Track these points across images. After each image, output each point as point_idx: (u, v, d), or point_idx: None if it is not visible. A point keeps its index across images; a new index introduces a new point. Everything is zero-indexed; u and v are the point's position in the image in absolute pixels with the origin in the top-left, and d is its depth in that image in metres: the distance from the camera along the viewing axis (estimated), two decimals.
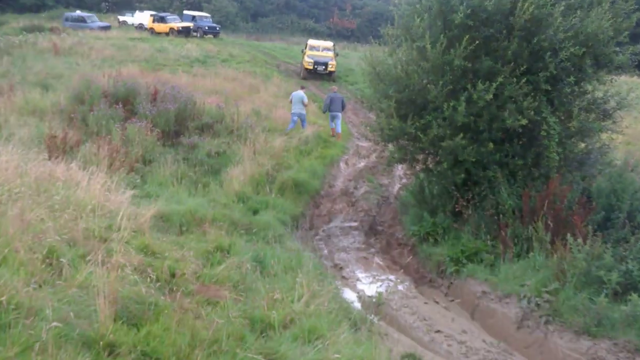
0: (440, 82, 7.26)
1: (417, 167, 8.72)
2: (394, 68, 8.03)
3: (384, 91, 8.13)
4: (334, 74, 22.34)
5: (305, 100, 14.84)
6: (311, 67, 22.30)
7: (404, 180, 11.80)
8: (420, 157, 8.37)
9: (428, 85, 7.39)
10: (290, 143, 12.36)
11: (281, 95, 18.81)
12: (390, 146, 8.66)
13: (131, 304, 3.99)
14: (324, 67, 22.38)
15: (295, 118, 14.47)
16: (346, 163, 12.98)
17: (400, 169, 12.28)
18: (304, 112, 14.69)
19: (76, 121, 10.65)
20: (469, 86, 7.11)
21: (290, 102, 14.80)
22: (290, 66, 26.79)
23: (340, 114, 15.69)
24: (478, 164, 7.44)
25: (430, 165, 8.39)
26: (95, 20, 32.95)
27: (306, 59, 22.56)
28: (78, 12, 34.56)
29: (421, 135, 7.48)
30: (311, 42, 24.51)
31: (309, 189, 10.06)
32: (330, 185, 11.33)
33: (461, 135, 7.14)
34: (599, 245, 5.79)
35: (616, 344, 5.08)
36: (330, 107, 15.53)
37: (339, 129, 15.33)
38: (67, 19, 32.37)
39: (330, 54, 23.25)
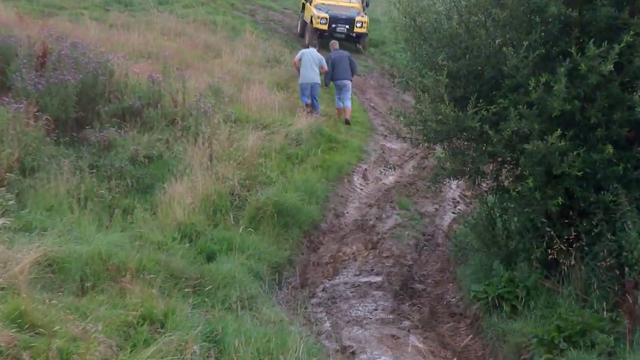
0: (525, 43, 7.26)
1: (484, 186, 8.69)
2: (446, 19, 8.00)
3: (430, 58, 8.14)
4: (364, 39, 22.14)
5: (324, 66, 15.60)
6: (325, 27, 22.05)
7: (461, 207, 11.80)
8: (489, 168, 8.37)
9: (504, 49, 7.39)
10: (272, 142, 12.38)
11: (257, 62, 18.92)
12: (439, 150, 8.64)
13: None
14: (347, 26, 22.28)
15: (308, 93, 15.32)
16: (364, 177, 12.99)
17: (454, 188, 12.21)
18: (318, 80, 15.52)
19: None
20: (572, 49, 7.10)
21: (297, 66, 15.67)
22: (274, 14, 27.05)
23: (350, 83, 16.09)
24: (587, 181, 7.38)
25: (506, 183, 8.39)
26: None
27: (315, 12, 22.30)
28: None
29: (491, 132, 7.45)
30: None
31: (302, 220, 10.07)
32: (338, 213, 11.30)
33: (558, 132, 7.10)
34: None
35: None
36: (333, 75, 15.91)
37: (349, 105, 15.87)
38: None
39: (357, 3, 23.30)
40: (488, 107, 7.57)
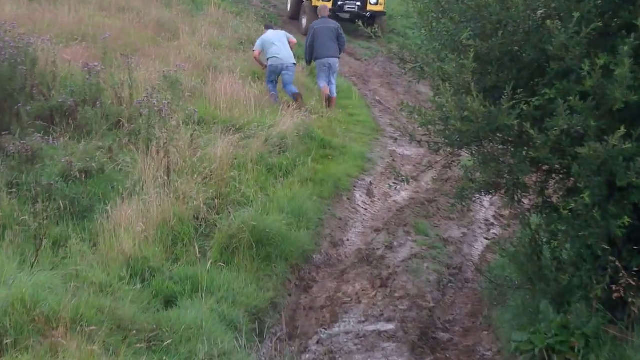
0: (576, 15, 7.24)
1: (525, 203, 8.67)
2: None
3: (451, 36, 8.16)
4: (382, 20, 22.27)
5: (293, 39, 16.44)
6: (329, 4, 21.92)
7: (496, 231, 11.82)
8: (532, 179, 8.39)
9: (548, 22, 7.40)
10: (247, 150, 12.41)
11: (226, 45, 18.95)
12: (466, 156, 8.67)
13: None
14: (358, 3, 22.58)
15: (274, 77, 15.98)
16: (369, 193, 13.03)
17: (487, 207, 12.24)
18: (293, 60, 16.23)
19: None
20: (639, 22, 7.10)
21: (259, 59, 16.38)
22: None
23: (337, 62, 16.66)
24: None
25: (555, 198, 8.39)
26: None
27: None
28: None
29: (533, 132, 7.46)
30: None
31: (289, 251, 10.10)
32: (336, 241, 11.32)
33: (622, 130, 7.10)
34: None
35: None
36: (317, 50, 16.45)
37: (335, 93, 16.46)
38: None
39: None
40: (528, 100, 7.55)
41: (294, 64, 16.34)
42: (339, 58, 16.61)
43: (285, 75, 16.19)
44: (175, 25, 19.35)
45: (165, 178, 10.61)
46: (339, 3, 21.98)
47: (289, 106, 14.91)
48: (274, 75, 16.22)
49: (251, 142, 12.77)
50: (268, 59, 16.21)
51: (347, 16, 21.65)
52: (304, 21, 22.45)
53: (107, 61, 14.07)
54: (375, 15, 21.84)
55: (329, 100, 16.35)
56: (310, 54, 16.70)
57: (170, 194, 10.23)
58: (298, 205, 11.06)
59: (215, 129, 12.93)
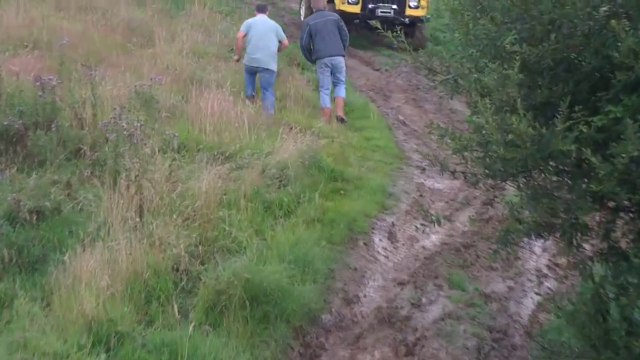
0: None
1: (587, 249, 8.64)
2: None
3: (492, 41, 8.19)
4: (422, 28, 22.56)
5: (285, 39, 17.09)
6: (357, 9, 22.66)
7: (549, 285, 11.77)
8: (595, 219, 8.36)
9: (613, 22, 7.41)
10: (240, 183, 12.46)
11: (213, 53, 19.02)
12: (511, 190, 8.70)
13: None
14: (394, 6, 22.83)
15: (252, 80, 16.53)
16: (391, 237, 13.02)
17: (539, 254, 12.23)
18: (272, 66, 16.68)
19: None
20: None
21: (240, 44, 17.01)
22: None
23: (343, 60, 17.14)
24: None
25: (623, 243, 8.36)
26: None
27: None
28: None
29: (595, 160, 7.45)
30: None
31: (291, 310, 10.06)
32: (349, 298, 11.28)
33: None
34: None
35: None
36: (317, 47, 16.95)
37: (343, 94, 17.12)
38: None
39: None
40: (589, 119, 7.57)
41: (273, 70, 16.78)
42: (343, 56, 16.78)
43: (260, 77, 16.80)
44: (150, 28, 19.47)
45: (137, 219, 10.60)
46: (370, 6, 22.03)
47: (290, 128, 14.94)
48: (248, 76, 16.93)
49: (244, 174, 12.78)
50: (246, 53, 16.88)
51: (388, 21, 21.12)
52: (302, 14, 23.10)
53: (64, 74, 14.11)
54: (414, 22, 21.94)
55: (328, 113, 16.67)
56: (308, 54, 16.89)
57: (144, 240, 10.18)
58: (302, 253, 11.01)
59: (200, 157, 12.95)
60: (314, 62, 17.32)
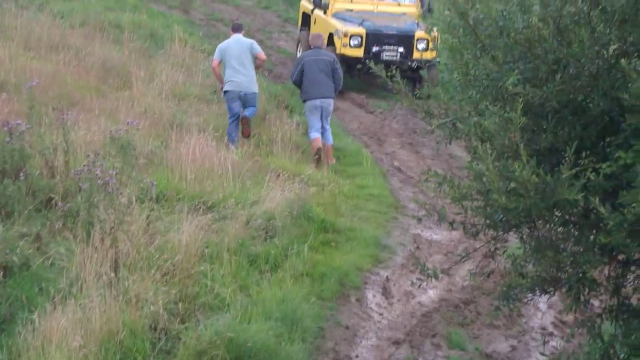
0: None
1: (595, 305, 8.62)
2: (520, 12, 8.05)
3: (493, 82, 8.22)
4: (433, 71, 21.91)
5: (261, 53, 17.56)
6: (360, 53, 22.56)
7: (555, 343, 11.69)
8: (604, 274, 8.32)
9: (622, 61, 7.39)
10: (223, 235, 12.42)
11: (194, 94, 19.04)
12: (514, 242, 8.70)
13: None
14: (400, 49, 22.72)
15: (237, 107, 17.04)
16: (386, 292, 12.94)
17: (544, 310, 12.24)
18: (254, 88, 17.32)
19: None
20: None
21: (218, 72, 17.51)
22: (225, 8, 27.36)
23: (332, 103, 17.54)
24: None
25: (634, 299, 8.35)
26: None
27: (340, 26, 22.55)
28: None
29: (603, 211, 7.43)
30: None
31: None
32: (341, 358, 11.18)
33: None
34: None
35: None
36: (307, 87, 17.23)
37: (331, 140, 17.35)
38: None
39: (411, 4, 23.65)
40: (597, 166, 7.55)
41: (255, 93, 17.24)
42: (333, 98, 16.96)
43: (245, 102, 17.22)
44: (127, 69, 19.49)
45: (112, 275, 10.52)
46: (374, 50, 21.97)
47: (278, 175, 14.91)
48: (232, 104, 17.12)
49: (228, 225, 12.74)
50: (225, 78, 17.23)
51: (393, 65, 20.90)
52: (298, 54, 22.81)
53: (34, 118, 14.08)
54: (421, 65, 21.78)
55: (318, 153, 16.77)
56: (298, 84, 17.21)
57: (119, 297, 10.11)
58: (290, 310, 10.93)
59: (180, 207, 12.90)
60: (305, 99, 17.43)
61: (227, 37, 24.75)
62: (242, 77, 16.99)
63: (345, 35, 21.84)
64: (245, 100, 17.11)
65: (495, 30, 8.24)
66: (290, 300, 11.12)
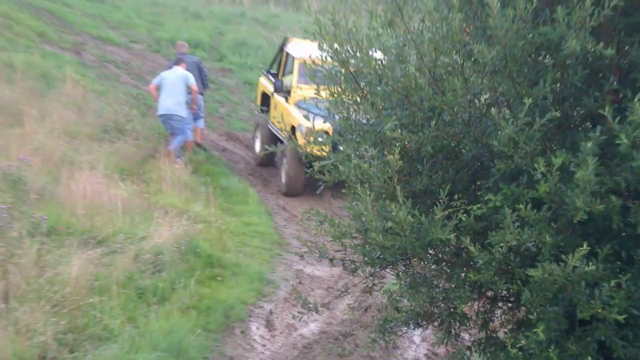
0: (528, 102, 7.20)
1: (466, 338, 8.75)
2: (397, 62, 8.16)
3: (372, 127, 8.32)
4: None
5: (193, 84, 18.99)
6: (325, 152, 19.46)
7: None
8: (474, 309, 8.42)
9: (493, 111, 7.42)
10: (112, 269, 12.34)
11: (86, 133, 18.93)
12: (391, 278, 8.74)
13: None
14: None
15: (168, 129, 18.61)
16: (269, 325, 12.98)
17: (417, 343, 12.38)
18: (181, 112, 18.95)
19: None
20: (607, 111, 6.95)
21: (154, 86, 19.13)
22: (117, 51, 27.28)
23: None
24: (635, 330, 7.31)
25: (502, 333, 8.42)
26: None
27: (301, 120, 17.94)
28: None
29: (474, 249, 7.53)
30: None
31: None
32: None
33: (584, 248, 7.11)
34: None
35: None
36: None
37: (190, 136, 19.18)
38: None
39: None
40: (468, 208, 7.66)
41: (182, 117, 18.44)
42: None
43: (172, 124, 18.62)
44: (18, 107, 19.10)
45: (2, 305, 10.37)
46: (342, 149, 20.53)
47: (166, 212, 14.86)
48: (164, 125, 18.86)
49: (117, 259, 12.58)
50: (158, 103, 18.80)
51: None
52: (282, 174, 19.73)
53: None
54: None
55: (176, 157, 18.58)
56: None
57: (9, 327, 9.96)
58: (176, 341, 10.89)
59: (70, 241, 12.70)
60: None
61: (120, 78, 24.97)
62: (171, 101, 18.38)
63: (308, 131, 19.66)
64: (172, 120, 18.49)
65: (374, 77, 8.29)
66: (177, 332, 11.08)
